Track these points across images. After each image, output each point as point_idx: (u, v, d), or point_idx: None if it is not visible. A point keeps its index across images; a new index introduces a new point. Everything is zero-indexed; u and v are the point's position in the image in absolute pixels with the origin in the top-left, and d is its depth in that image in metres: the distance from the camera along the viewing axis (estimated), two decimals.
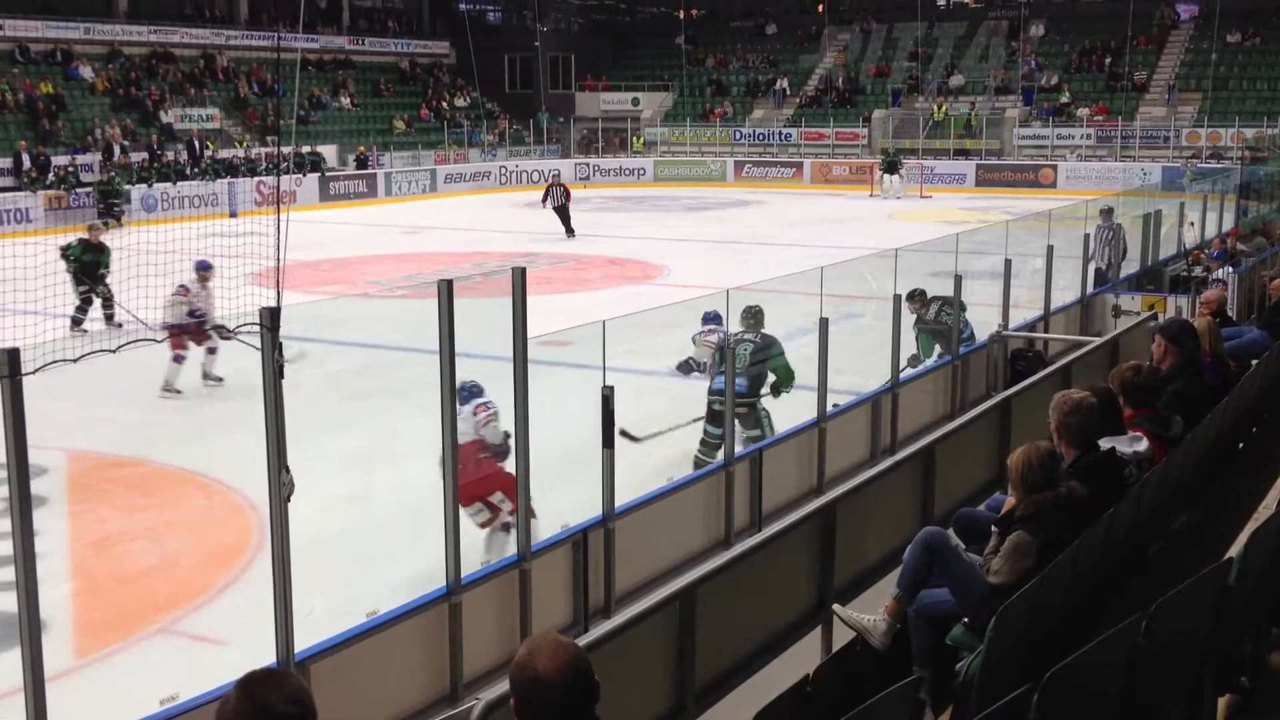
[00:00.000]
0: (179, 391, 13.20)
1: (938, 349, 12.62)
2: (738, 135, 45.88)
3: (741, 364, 10.34)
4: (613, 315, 8.33)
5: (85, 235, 17.31)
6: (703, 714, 5.71)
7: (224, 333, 12.90)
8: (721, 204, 37.14)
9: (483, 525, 8.36)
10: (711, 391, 10.35)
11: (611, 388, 7.51)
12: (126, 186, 31.04)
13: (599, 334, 7.73)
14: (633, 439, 10.29)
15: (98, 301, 16.64)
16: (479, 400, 8.43)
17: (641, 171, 44.57)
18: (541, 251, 25.84)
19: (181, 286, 13.01)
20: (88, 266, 16.71)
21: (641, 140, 46.76)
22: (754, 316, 10.80)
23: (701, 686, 5.68)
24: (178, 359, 13.21)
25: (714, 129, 46.24)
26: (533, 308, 6.77)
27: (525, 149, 45.58)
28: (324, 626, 6.18)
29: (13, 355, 4.73)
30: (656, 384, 11.99)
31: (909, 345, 12.17)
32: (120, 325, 15.67)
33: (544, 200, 29.63)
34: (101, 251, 17.00)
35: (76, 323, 16.33)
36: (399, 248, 27.03)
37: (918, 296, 12.35)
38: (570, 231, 28.65)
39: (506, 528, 8.35)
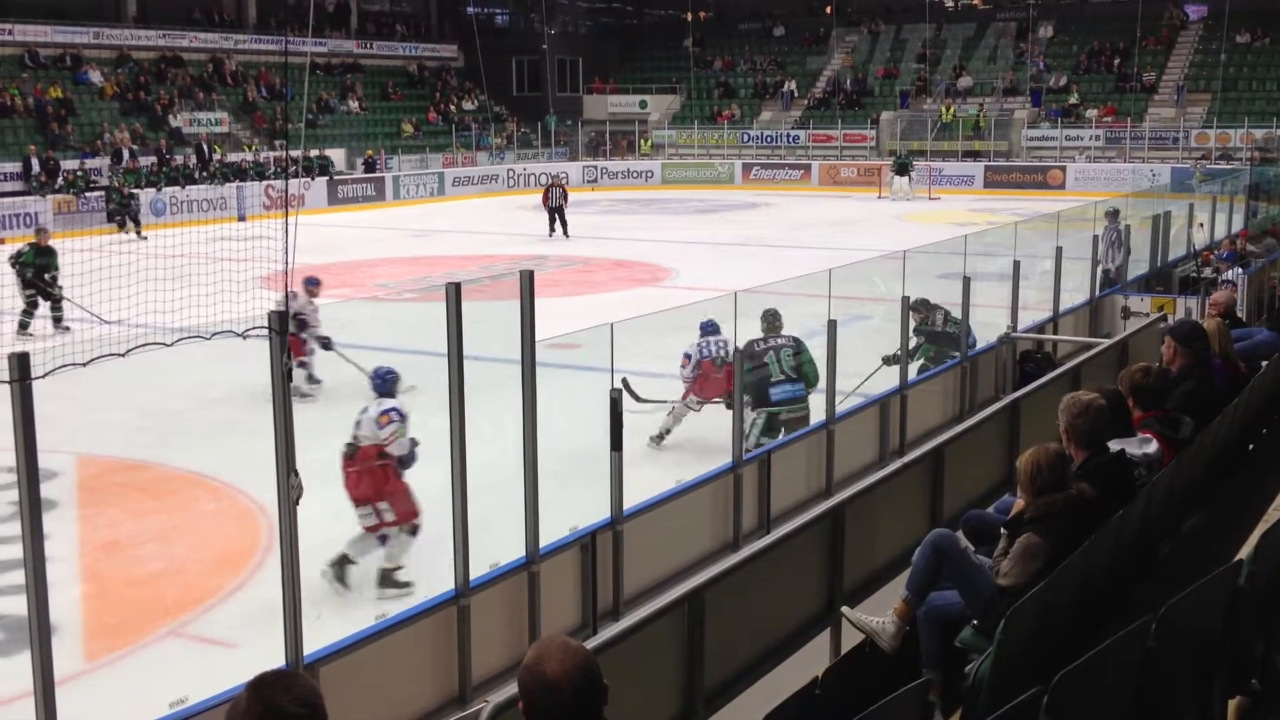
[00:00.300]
0: (310, 395, 13.31)
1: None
2: (745, 137, 45.89)
3: (790, 368, 10.41)
4: (621, 318, 8.34)
5: (35, 240, 17.78)
6: (712, 716, 5.70)
7: (326, 344, 13.05)
8: (729, 206, 37.15)
9: (369, 529, 8.38)
10: (774, 402, 10.37)
11: (620, 390, 7.51)
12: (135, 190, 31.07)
13: (607, 337, 7.73)
14: (636, 397, 10.39)
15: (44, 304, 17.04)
16: (386, 408, 8.38)
17: (649, 174, 44.58)
18: (550, 254, 25.85)
19: (291, 291, 13.19)
20: (39, 270, 16.98)
21: (649, 143, 46.78)
22: (773, 319, 10.88)
23: (710, 689, 5.68)
24: (300, 365, 13.36)
25: (722, 131, 46.24)
26: (541, 310, 6.78)
27: (533, 152, 45.63)
28: (333, 629, 6.19)
29: (22, 359, 4.74)
30: (665, 386, 11.99)
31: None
32: (68, 329, 15.90)
33: (544, 200, 29.88)
34: (51, 255, 17.31)
35: (24, 326, 16.56)
36: (407, 251, 27.06)
37: (921, 306, 12.34)
38: (556, 229, 29.04)
39: (384, 539, 8.36)
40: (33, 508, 4.82)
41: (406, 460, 8.36)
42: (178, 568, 9.10)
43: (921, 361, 12.36)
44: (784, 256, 23.10)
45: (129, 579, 8.92)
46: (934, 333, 12.42)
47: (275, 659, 5.57)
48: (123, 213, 28.88)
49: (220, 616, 8.13)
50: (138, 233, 27.43)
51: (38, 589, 4.84)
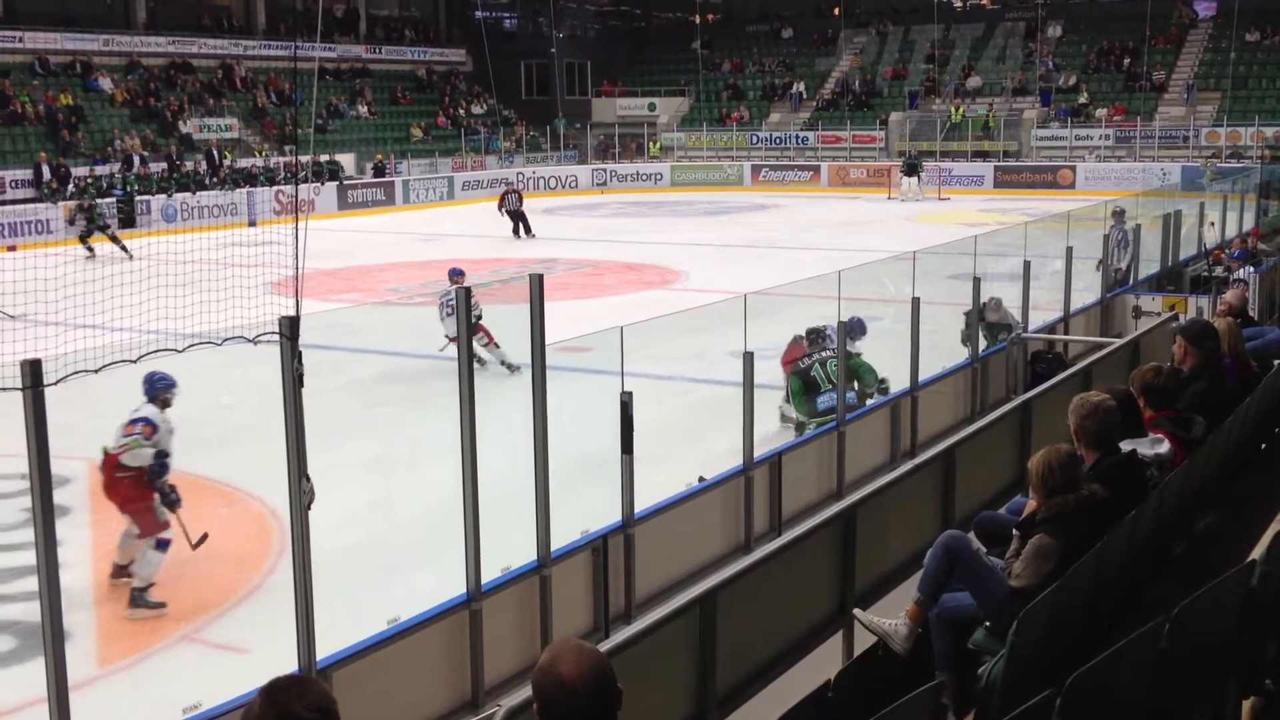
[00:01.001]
0: (518, 367, 13.46)
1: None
2: (754, 139, 45.85)
3: (836, 377, 10.48)
4: (631, 321, 8.33)
5: None
6: None
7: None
8: (739, 208, 37.13)
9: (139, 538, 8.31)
10: (820, 411, 10.44)
11: (630, 394, 7.51)
12: (103, 200, 29.17)
13: (617, 339, 7.73)
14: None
15: None
16: (137, 417, 8.20)
17: (659, 176, 44.59)
18: (559, 257, 25.88)
19: (474, 300, 13.54)
20: None
21: (658, 145, 46.78)
22: (816, 335, 11.08)
23: (723, 692, 5.67)
24: (496, 347, 13.90)
25: (731, 133, 46.23)
26: (551, 313, 6.78)
27: (542, 155, 45.67)
28: (346, 633, 6.19)
29: (35, 366, 4.75)
30: (675, 388, 11.99)
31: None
32: None
33: (500, 205, 30.53)
34: None
35: None
36: (417, 255, 27.09)
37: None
38: (525, 232, 29.89)
39: (162, 545, 8.28)
40: (45, 514, 4.83)
41: (153, 471, 8.18)
42: (190, 573, 9.11)
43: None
44: (794, 258, 23.11)
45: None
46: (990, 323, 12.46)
47: (288, 664, 5.58)
48: (95, 229, 26.53)
49: (233, 622, 8.15)
50: (117, 244, 25.54)
51: (50, 595, 4.86)
